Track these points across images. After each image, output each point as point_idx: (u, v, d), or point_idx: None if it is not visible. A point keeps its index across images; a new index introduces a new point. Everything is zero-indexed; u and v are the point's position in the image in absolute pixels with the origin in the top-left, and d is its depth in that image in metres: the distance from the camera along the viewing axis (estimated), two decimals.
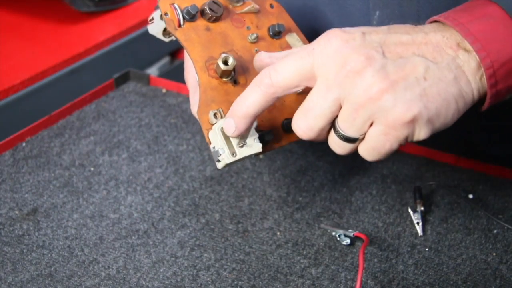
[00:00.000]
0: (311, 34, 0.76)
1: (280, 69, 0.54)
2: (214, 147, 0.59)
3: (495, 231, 0.69)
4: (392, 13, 0.69)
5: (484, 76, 0.53)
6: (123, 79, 0.94)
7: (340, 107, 0.53)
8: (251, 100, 0.56)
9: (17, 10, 1.28)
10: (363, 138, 0.54)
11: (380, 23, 0.70)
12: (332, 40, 0.53)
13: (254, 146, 0.59)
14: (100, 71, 1.18)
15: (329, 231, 0.69)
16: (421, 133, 0.53)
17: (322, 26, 0.76)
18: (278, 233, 0.69)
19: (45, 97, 1.11)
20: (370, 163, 0.79)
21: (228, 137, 0.58)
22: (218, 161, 0.59)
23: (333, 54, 0.52)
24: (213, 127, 0.59)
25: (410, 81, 0.52)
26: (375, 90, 0.51)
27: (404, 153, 0.80)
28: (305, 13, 0.77)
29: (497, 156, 0.77)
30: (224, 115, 0.60)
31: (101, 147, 0.81)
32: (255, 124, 0.59)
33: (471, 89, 0.54)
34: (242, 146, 0.58)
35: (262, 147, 0.59)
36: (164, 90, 0.93)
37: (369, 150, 0.54)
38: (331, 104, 0.53)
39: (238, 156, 0.58)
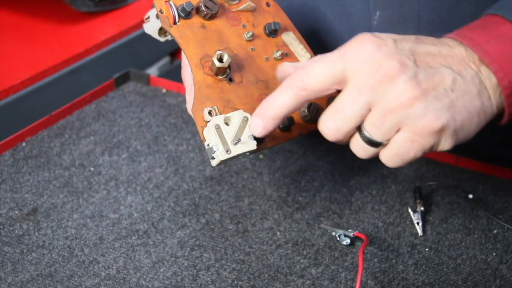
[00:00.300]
0: (311, 34, 0.76)
1: (312, 72, 0.54)
2: (208, 144, 0.59)
3: (495, 231, 0.69)
4: (392, 14, 0.69)
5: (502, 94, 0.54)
6: (123, 79, 0.94)
7: (369, 111, 0.53)
8: (281, 101, 0.56)
9: (17, 10, 1.28)
10: (386, 144, 0.54)
11: (381, 23, 0.70)
12: (365, 44, 0.53)
13: (248, 143, 0.59)
14: (100, 71, 1.18)
15: (329, 231, 0.69)
16: (446, 144, 0.54)
17: (323, 26, 0.76)
18: (278, 233, 0.69)
19: (45, 97, 1.11)
20: (370, 163, 0.79)
21: (223, 135, 0.58)
22: (213, 158, 0.59)
23: (366, 58, 0.52)
24: (208, 124, 0.59)
25: (439, 91, 0.52)
26: (407, 96, 0.52)
27: None
28: (305, 13, 0.77)
29: (497, 156, 0.77)
30: (219, 113, 0.60)
31: (101, 147, 0.81)
32: (250, 121, 0.59)
33: (491, 104, 0.55)
34: (236, 144, 0.58)
35: (257, 145, 0.59)
36: (164, 90, 0.93)
37: (392, 156, 0.55)
38: (362, 107, 0.53)
39: (233, 153, 0.58)
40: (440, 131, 0.53)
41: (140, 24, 1.25)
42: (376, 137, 0.54)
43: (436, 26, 0.68)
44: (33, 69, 1.10)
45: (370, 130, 0.54)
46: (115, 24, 1.27)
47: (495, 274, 0.65)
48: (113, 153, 0.80)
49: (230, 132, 0.59)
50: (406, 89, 0.52)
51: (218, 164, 0.59)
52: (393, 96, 0.52)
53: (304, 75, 0.55)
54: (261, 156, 0.80)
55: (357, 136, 0.55)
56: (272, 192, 0.75)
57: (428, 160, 0.79)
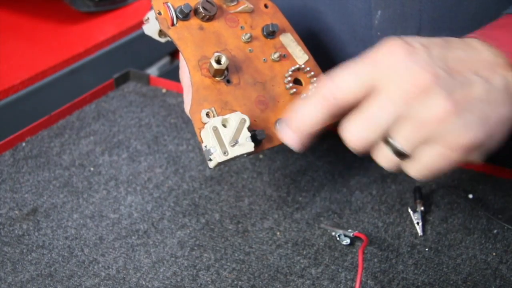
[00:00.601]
0: (311, 33, 0.76)
1: (340, 81, 0.53)
2: (206, 146, 0.59)
3: (495, 231, 0.69)
4: (394, 13, 0.69)
5: None
6: (123, 79, 0.94)
7: (400, 122, 0.51)
8: (311, 114, 0.54)
9: (17, 10, 1.28)
10: (415, 155, 0.53)
11: (382, 22, 0.70)
12: (396, 51, 0.51)
13: (246, 145, 0.59)
14: (100, 71, 1.18)
15: (329, 231, 0.69)
16: (476, 157, 0.52)
17: (323, 26, 0.76)
18: (278, 233, 0.69)
19: (45, 97, 1.11)
20: (370, 163, 0.79)
21: (220, 136, 0.58)
22: (210, 160, 0.59)
23: (398, 68, 0.51)
24: (205, 126, 0.59)
25: (473, 104, 0.51)
26: (441, 110, 0.50)
27: None
28: (306, 13, 0.77)
29: (497, 156, 0.77)
30: (217, 114, 0.60)
31: (101, 147, 0.81)
32: (247, 123, 0.59)
33: None
34: (234, 145, 0.58)
35: (254, 147, 0.59)
36: (164, 90, 0.93)
37: (420, 169, 0.53)
38: (393, 119, 0.51)
39: (230, 155, 0.58)
40: (473, 147, 0.51)
41: (140, 24, 1.24)
42: (407, 148, 0.52)
43: (438, 25, 0.68)
44: (33, 69, 1.10)
45: (401, 142, 0.52)
46: (115, 24, 1.27)
47: (495, 274, 0.65)
48: (113, 153, 0.80)
49: (227, 134, 0.58)
50: (440, 103, 0.50)
51: (216, 166, 0.59)
52: (427, 110, 0.50)
53: (331, 84, 0.53)
54: (261, 156, 0.80)
55: (383, 146, 0.53)
56: (272, 192, 0.75)
57: None
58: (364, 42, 0.73)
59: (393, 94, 0.51)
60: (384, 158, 0.54)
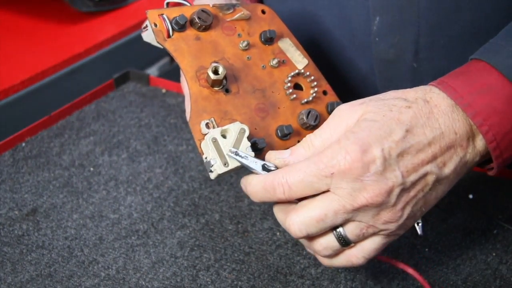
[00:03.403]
0: (310, 39, 0.76)
1: (294, 186, 0.54)
2: (206, 158, 0.58)
3: (495, 231, 0.69)
4: (392, 19, 0.69)
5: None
6: (123, 79, 0.94)
7: (348, 222, 0.54)
8: (257, 195, 0.57)
9: (17, 10, 1.28)
10: (356, 244, 0.56)
11: (380, 28, 0.70)
12: (353, 163, 0.52)
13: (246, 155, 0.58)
14: (100, 71, 1.18)
15: None
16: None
17: (322, 32, 0.75)
18: (278, 233, 0.69)
19: (45, 97, 1.11)
20: None
21: (220, 148, 0.58)
22: (211, 171, 0.58)
23: (352, 179, 0.52)
24: (205, 137, 0.59)
25: (417, 200, 0.54)
26: (388, 219, 0.54)
27: None
28: (305, 19, 0.77)
29: None
30: (217, 125, 0.60)
31: (101, 147, 0.81)
32: (247, 133, 0.59)
33: (473, 166, 0.57)
34: (234, 156, 0.58)
35: (256, 155, 0.59)
36: (164, 90, 0.93)
37: (363, 256, 0.56)
38: (340, 221, 0.54)
39: (230, 167, 0.58)
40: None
41: (140, 24, 1.25)
42: (352, 239, 0.55)
43: (436, 32, 0.68)
44: (33, 69, 1.10)
45: (348, 234, 0.55)
46: (115, 24, 1.27)
47: (494, 274, 0.64)
48: (113, 153, 0.80)
49: (227, 145, 0.58)
50: (388, 215, 0.53)
51: (217, 177, 0.59)
52: (375, 218, 0.53)
53: (285, 186, 0.54)
54: None
55: (328, 233, 0.56)
56: None
57: None
58: (363, 47, 0.73)
59: (345, 202, 0.53)
60: (326, 243, 0.56)
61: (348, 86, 0.77)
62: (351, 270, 0.65)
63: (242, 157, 0.57)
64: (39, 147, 0.81)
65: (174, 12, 0.63)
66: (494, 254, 0.67)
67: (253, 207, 0.72)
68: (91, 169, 0.78)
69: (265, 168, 0.57)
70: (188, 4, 0.66)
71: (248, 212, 0.72)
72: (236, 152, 0.58)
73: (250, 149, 0.58)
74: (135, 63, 1.18)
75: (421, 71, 0.71)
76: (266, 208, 0.72)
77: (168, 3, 0.65)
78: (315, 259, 0.66)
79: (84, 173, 0.77)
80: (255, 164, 0.58)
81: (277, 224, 0.70)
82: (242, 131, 0.59)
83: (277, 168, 0.57)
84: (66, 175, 0.76)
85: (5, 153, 0.79)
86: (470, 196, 0.73)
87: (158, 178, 0.76)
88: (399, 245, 0.68)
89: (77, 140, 0.82)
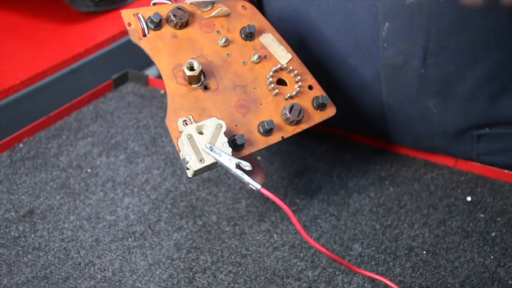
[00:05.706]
0: (315, 44, 0.75)
1: None
2: (182, 155, 0.58)
3: (493, 234, 0.69)
4: (402, 25, 0.68)
5: None
6: (121, 80, 0.94)
7: None
8: None
9: (17, 10, 1.28)
10: None
11: (389, 34, 0.69)
12: None
13: (223, 150, 0.58)
14: (99, 71, 1.18)
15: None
16: None
17: (327, 37, 0.74)
18: (275, 236, 0.69)
19: (44, 98, 1.11)
20: (368, 165, 0.79)
21: (195, 144, 0.57)
22: (187, 168, 0.58)
23: None
24: (181, 134, 0.58)
25: None
26: None
27: (402, 155, 0.80)
28: (309, 24, 0.75)
29: (497, 164, 0.77)
30: (195, 122, 0.60)
31: (99, 149, 0.81)
32: (224, 128, 0.58)
33: None
34: (210, 152, 0.57)
35: (235, 152, 0.58)
36: (162, 91, 0.93)
37: None
38: None
39: (206, 163, 0.57)
40: None
41: None
42: None
43: (446, 38, 0.67)
44: (33, 69, 1.10)
45: None
46: (115, 24, 1.26)
47: (493, 277, 0.64)
48: (111, 154, 0.80)
49: (203, 141, 0.58)
50: None
51: (194, 175, 0.58)
52: None
53: None
54: (259, 157, 0.79)
55: None
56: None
57: (426, 162, 0.79)
58: (369, 54, 0.72)
59: None
60: None
61: (351, 93, 0.77)
62: (348, 273, 0.65)
63: (216, 153, 0.57)
64: (36, 148, 0.81)
65: (150, 11, 0.63)
66: (492, 257, 0.66)
67: (250, 209, 0.72)
68: (89, 170, 0.77)
69: (239, 167, 0.57)
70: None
71: (245, 214, 0.72)
72: (211, 147, 0.57)
73: (227, 145, 0.58)
74: (134, 64, 1.18)
75: (428, 77, 0.70)
76: (264, 210, 0.72)
77: (154, 3, 0.65)
78: (312, 261, 0.66)
79: (82, 174, 0.77)
80: (229, 161, 0.57)
81: (274, 226, 0.70)
82: (218, 127, 0.58)
83: (252, 168, 0.56)
84: (63, 176, 0.76)
85: (3, 154, 0.79)
86: (468, 199, 0.73)
87: (156, 179, 0.76)
88: (397, 247, 0.67)
89: (75, 141, 0.82)
